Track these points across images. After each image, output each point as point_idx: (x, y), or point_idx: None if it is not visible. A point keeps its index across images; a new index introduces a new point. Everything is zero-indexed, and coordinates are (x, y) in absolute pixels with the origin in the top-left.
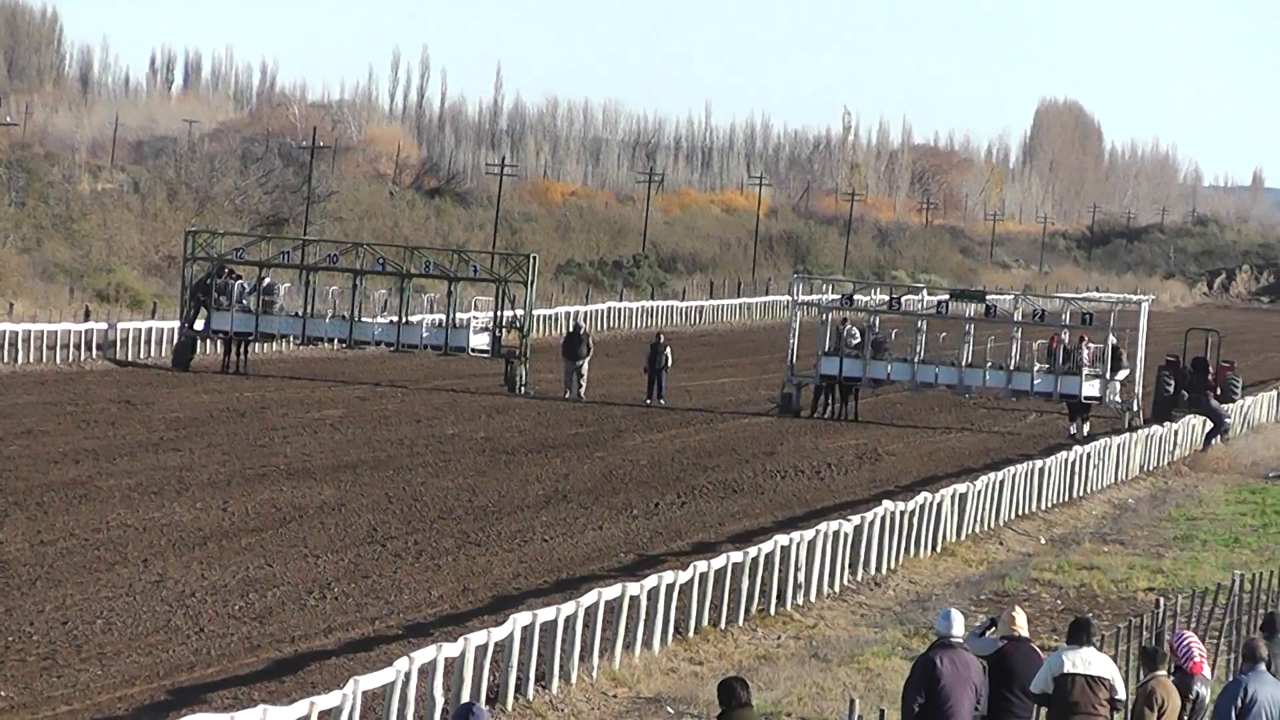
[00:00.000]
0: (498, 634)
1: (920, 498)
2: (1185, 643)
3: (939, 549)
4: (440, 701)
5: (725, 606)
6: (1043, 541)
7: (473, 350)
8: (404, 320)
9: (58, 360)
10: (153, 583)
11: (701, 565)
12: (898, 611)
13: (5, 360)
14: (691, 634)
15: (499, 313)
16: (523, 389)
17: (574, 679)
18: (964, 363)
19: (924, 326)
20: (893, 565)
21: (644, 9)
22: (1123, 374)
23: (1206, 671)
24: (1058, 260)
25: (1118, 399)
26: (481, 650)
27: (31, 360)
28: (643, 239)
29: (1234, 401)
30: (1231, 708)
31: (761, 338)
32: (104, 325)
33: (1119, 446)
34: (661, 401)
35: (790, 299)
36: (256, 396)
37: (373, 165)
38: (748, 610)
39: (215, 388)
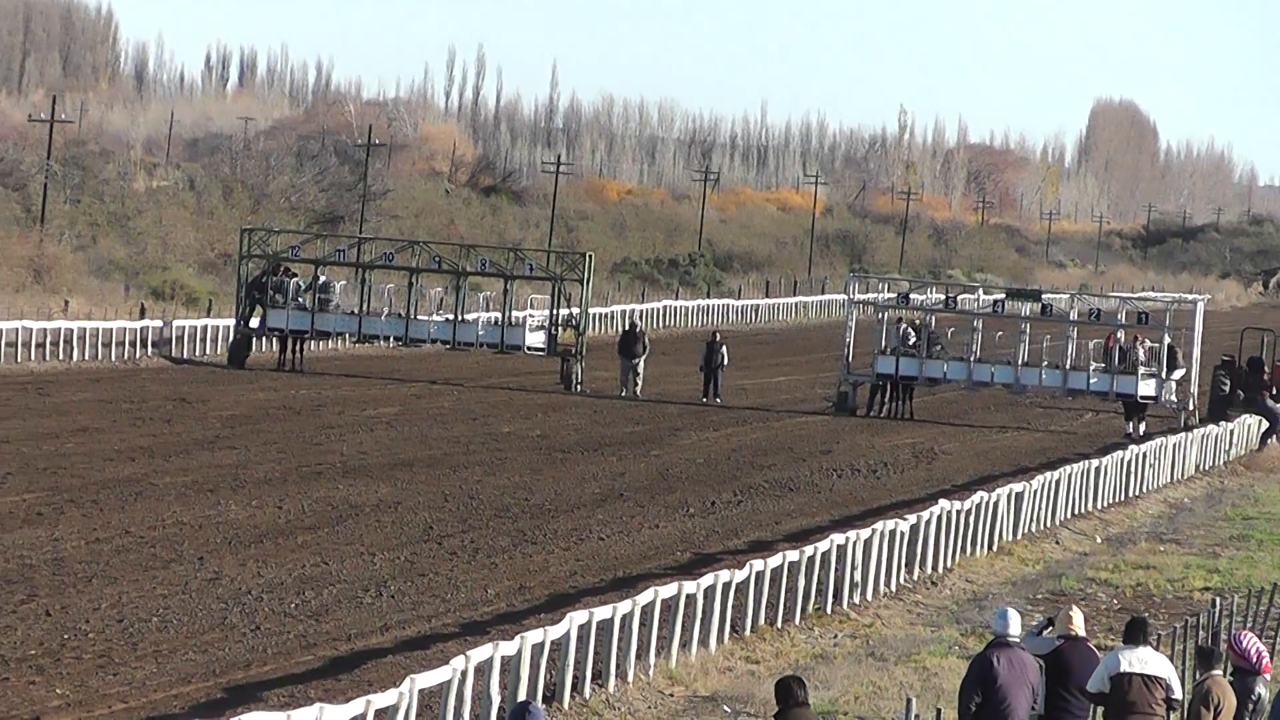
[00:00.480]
0: (554, 632)
1: (976, 497)
2: (1252, 645)
3: (995, 548)
4: (496, 700)
5: (781, 605)
6: (1099, 541)
7: (528, 348)
8: (459, 318)
9: (113, 358)
10: (208, 580)
11: (758, 564)
12: (954, 610)
13: (61, 358)
14: (748, 633)
15: (554, 311)
16: (578, 387)
17: (630, 678)
18: (1020, 362)
19: (980, 325)
20: (949, 564)
21: (700, 7)
22: (1178, 373)
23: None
24: (1113, 259)
25: (1173, 398)
26: (538, 649)
27: (87, 358)
28: (698, 237)
29: None
30: None
31: (817, 336)
32: (159, 323)
33: (1174, 446)
34: (717, 400)
35: (846, 298)
36: (312, 394)
37: (428, 163)
38: (804, 609)
39: (270, 385)
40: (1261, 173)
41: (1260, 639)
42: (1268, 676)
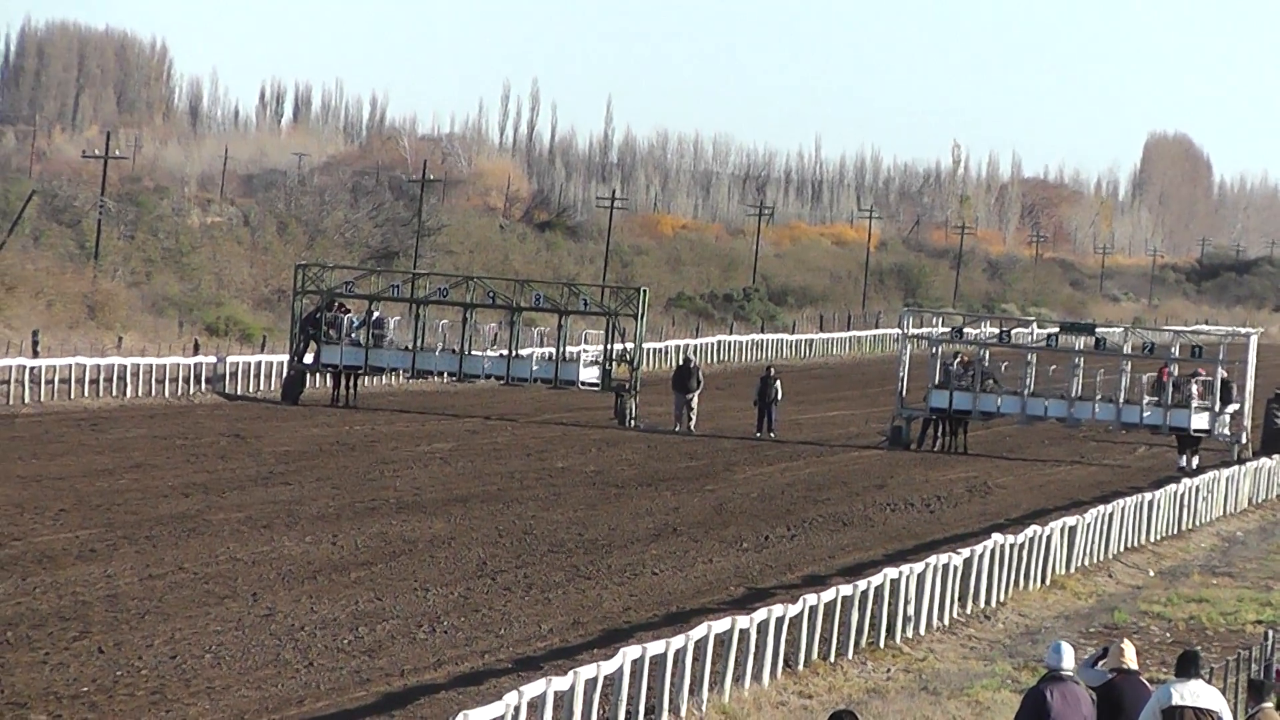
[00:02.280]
0: (607, 668)
1: (1030, 530)
2: None
3: (1048, 582)
4: None
5: (835, 639)
6: (1152, 574)
7: (583, 383)
8: (514, 353)
9: (167, 394)
10: (262, 616)
11: (811, 598)
12: (1007, 644)
13: (115, 394)
14: (801, 667)
15: (609, 346)
16: (633, 422)
17: (683, 712)
18: (1074, 395)
19: (1034, 359)
20: (1002, 598)
21: (754, 42)
22: (1232, 407)
23: None
24: (1167, 293)
25: (1227, 432)
26: (591, 684)
27: (141, 394)
28: (753, 272)
29: None
30: None
31: (871, 370)
32: (213, 359)
33: (1228, 479)
34: (772, 434)
35: (900, 332)
36: (366, 430)
37: (483, 198)
38: (857, 643)
39: (325, 421)
40: None
41: None
42: None
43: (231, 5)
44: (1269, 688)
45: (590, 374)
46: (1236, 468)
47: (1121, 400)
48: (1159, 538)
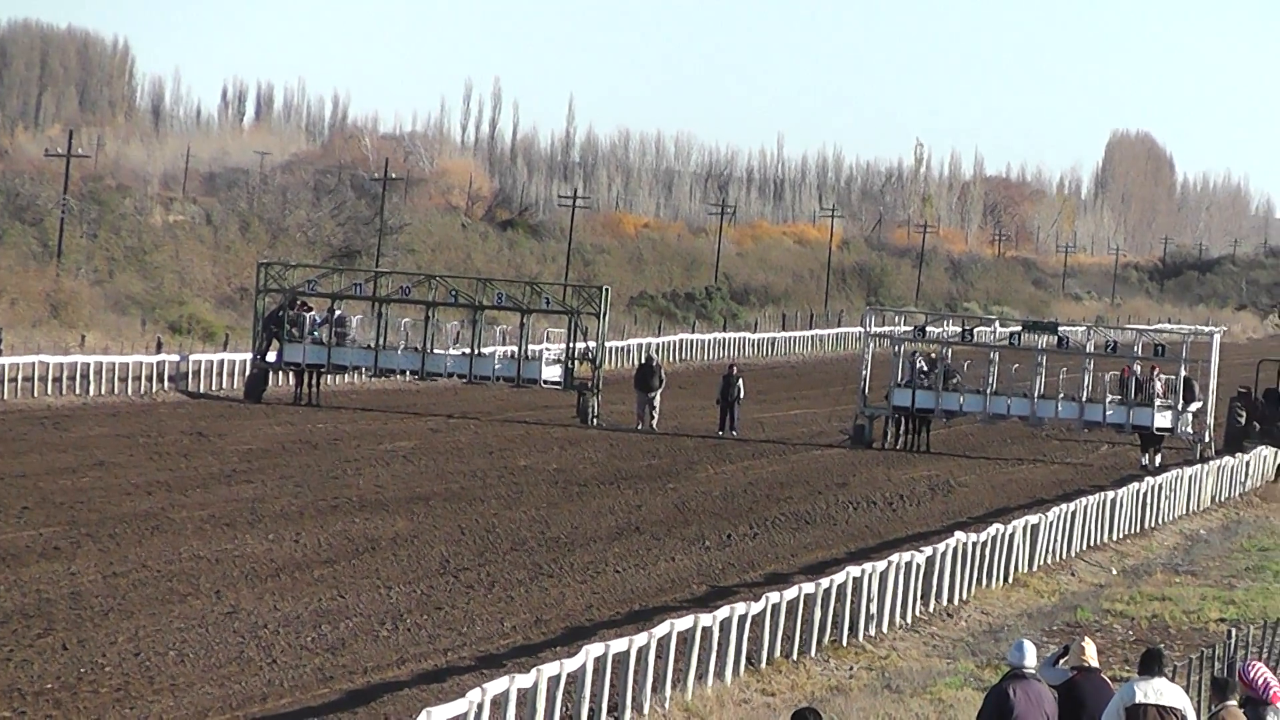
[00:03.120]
0: (570, 665)
1: (992, 529)
2: (1260, 674)
3: (1011, 580)
4: None
5: (797, 637)
6: (1114, 572)
7: (545, 382)
8: (476, 352)
9: (130, 392)
10: (225, 614)
11: (774, 596)
12: (970, 642)
13: (78, 392)
14: (764, 665)
15: (571, 344)
16: (595, 421)
17: (646, 710)
18: (1036, 394)
19: (996, 358)
20: (965, 596)
21: (715, 41)
22: (1195, 405)
23: None
24: (1130, 292)
25: (1190, 430)
26: (554, 681)
27: (104, 392)
28: (715, 271)
29: None
30: None
31: (834, 369)
32: (176, 357)
33: (1191, 477)
34: (734, 433)
35: (863, 331)
36: (329, 428)
37: (445, 197)
38: (820, 641)
39: (287, 419)
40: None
41: (1276, 670)
42: (1278, 705)
43: (193, 4)
44: (1232, 686)
45: (552, 373)
46: (1199, 466)
47: (1084, 399)
48: (1122, 536)
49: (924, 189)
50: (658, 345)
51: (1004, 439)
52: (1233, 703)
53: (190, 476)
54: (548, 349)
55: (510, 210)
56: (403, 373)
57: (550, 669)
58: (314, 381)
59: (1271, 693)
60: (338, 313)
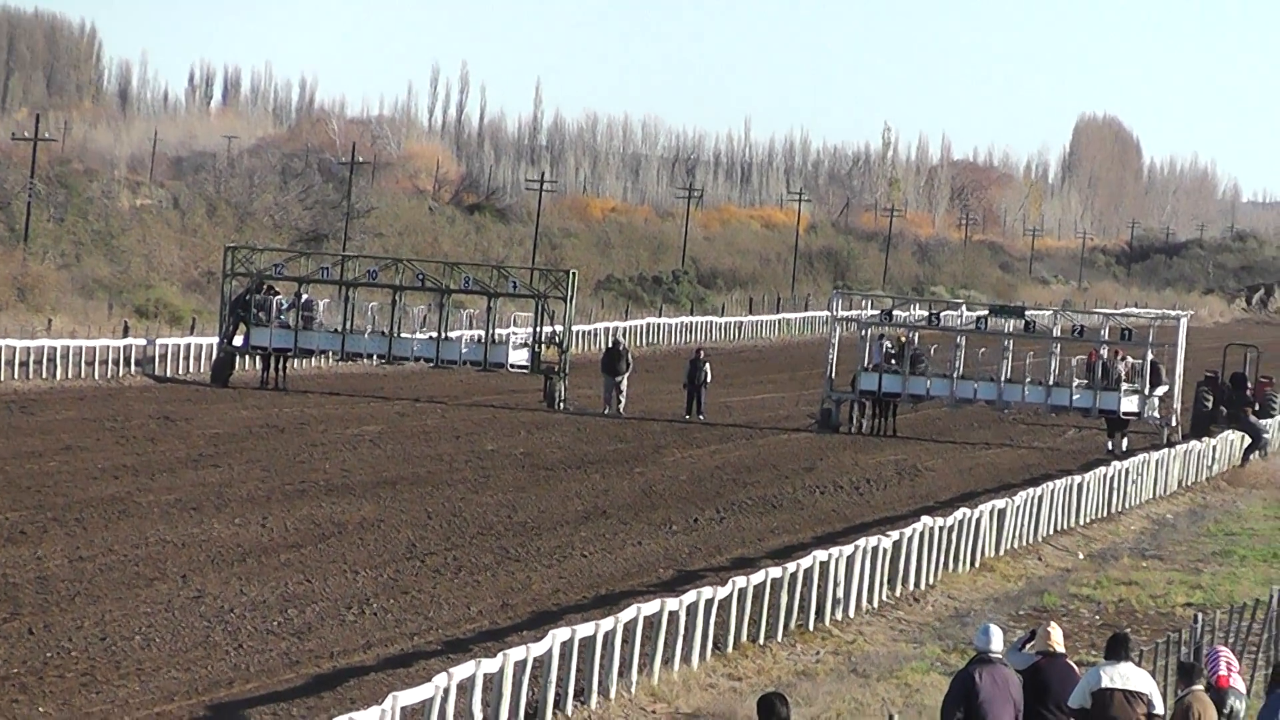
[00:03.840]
0: (537, 650)
1: (959, 513)
2: (1215, 656)
3: (978, 564)
4: (479, 717)
5: (764, 622)
6: (1081, 557)
7: (512, 366)
8: (443, 336)
9: (96, 376)
10: (192, 599)
11: (741, 581)
12: (936, 627)
13: (44, 376)
14: (730, 649)
15: (538, 328)
16: (562, 405)
17: (613, 694)
18: (1003, 378)
19: (963, 342)
20: (931, 581)
21: (683, 25)
22: (1161, 389)
23: (1236, 684)
24: (1097, 276)
25: (1156, 414)
26: (520, 666)
27: (70, 376)
28: (682, 255)
29: (1272, 417)
30: None
31: (801, 353)
32: (143, 341)
33: (1157, 462)
34: (701, 417)
35: (830, 315)
36: (296, 412)
37: (412, 181)
38: (787, 626)
39: (254, 404)
40: (1245, 189)
41: (1241, 655)
42: (1240, 689)
43: None
44: (1199, 670)
45: (519, 356)
46: (1166, 450)
47: (1051, 383)
48: (1088, 520)
49: (891, 173)
50: (625, 329)
51: (970, 423)
52: (1199, 687)
53: (157, 461)
54: (515, 333)
55: (477, 194)
56: (370, 356)
57: (517, 654)
58: (281, 365)
59: (1218, 676)
60: (305, 297)
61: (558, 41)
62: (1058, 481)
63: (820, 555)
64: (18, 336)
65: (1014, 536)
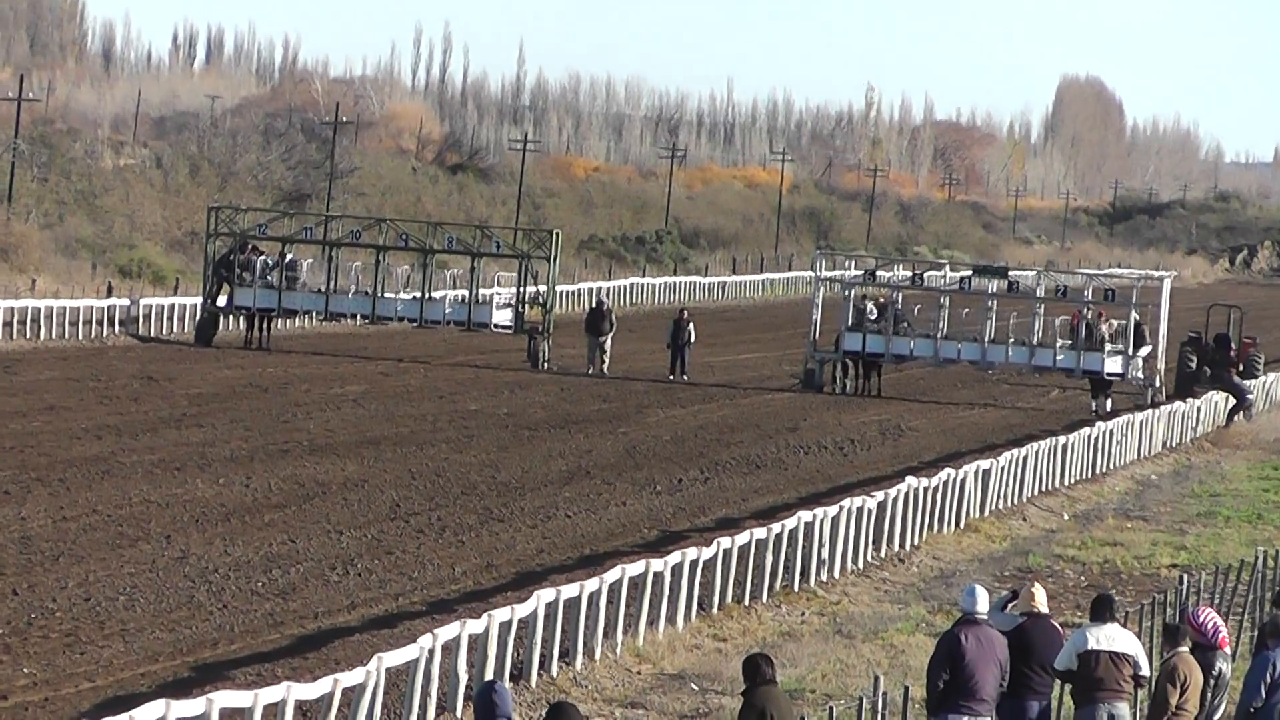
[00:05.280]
0: (521, 610)
1: (944, 474)
2: (1209, 619)
3: (963, 525)
4: (464, 678)
5: (749, 583)
6: (1066, 518)
7: (495, 326)
8: (426, 296)
9: (80, 336)
10: (175, 559)
11: (725, 541)
12: (921, 588)
13: (28, 336)
14: (715, 610)
15: (521, 288)
16: (545, 365)
17: (598, 655)
18: (986, 339)
19: (947, 303)
20: (916, 541)
21: None
22: (1145, 350)
23: (1228, 647)
24: (1080, 236)
25: (1140, 375)
26: (505, 626)
27: (54, 336)
28: (665, 215)
29: (1256, 378)
30: (1261, 682)
31: (784, 313)
32: (126, 301)
33: (1142, 423)
34: (684, 377)
35: (813, 275)
36: (279, 372)
37: (395, 141)
38: (771, 586)
39: (238, 363)
40: (1228, 149)
41: (1227, 616)
42: (1226, 651)
43: None
44: (1183, 632)
45: (503, 317)
46: (1150, 411)
47: (1035, 343)
48: (1073, 481)
49: (874, 133)
50: (608, 289)
51: (954, 383)
52: (1184, 648)
53: (140, 420)
54: (498, 293)
55: (460, 154)
56: (353, 317)
57: (501, 614)
58: (264, 325)
59: (1220, 638)
60: (288, 257)
61: (540, 1)
62: (1042, 442)
63: (805, 516)
64: (1, 297)
65: (999, 497)
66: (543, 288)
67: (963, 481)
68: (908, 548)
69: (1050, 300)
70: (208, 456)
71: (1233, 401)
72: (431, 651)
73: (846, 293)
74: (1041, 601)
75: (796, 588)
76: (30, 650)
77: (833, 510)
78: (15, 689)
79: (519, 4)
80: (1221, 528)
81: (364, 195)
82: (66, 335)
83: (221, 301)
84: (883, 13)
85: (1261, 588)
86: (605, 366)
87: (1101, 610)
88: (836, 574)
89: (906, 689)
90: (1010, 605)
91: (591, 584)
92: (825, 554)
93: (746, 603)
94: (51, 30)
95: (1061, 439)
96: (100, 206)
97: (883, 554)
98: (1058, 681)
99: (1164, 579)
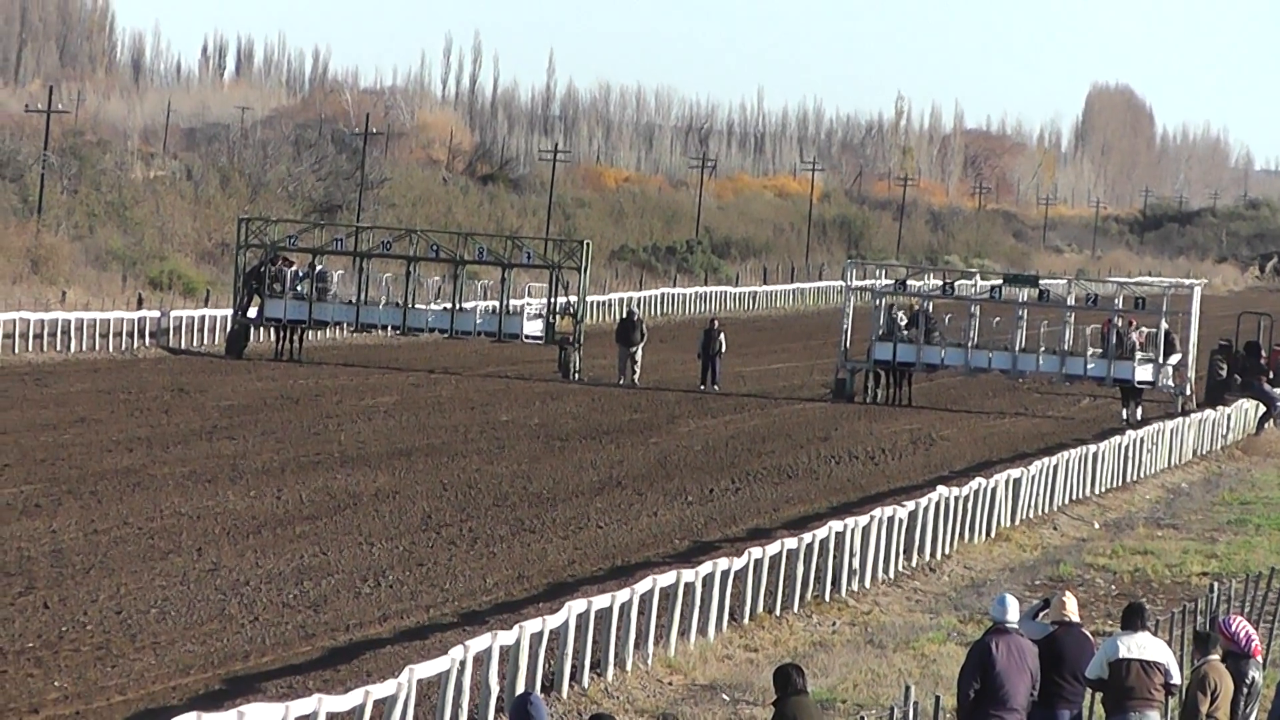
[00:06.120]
0: (553, 621)
1: (975, 483)
2: (1241, 628)
3: (993, 534)
4: (495, 690)
5: (780, 593)
6: (1097, 526)
7: (526, 337)
8: (457, 307)
9: (110, 348)
10: (207, 571)
11: (756, 551)
12: (952, 597)
13: (58, 348)
14: (747, 621)
15: (552, 299)
16: (576, 375)
17: (629, 666)
18: (1017, 347)
19: (977, 311)
20: (947, 551)
21: None
22: (1175, 358)
23: (1260, 655)
24: (1110, 244)
25: (1170, 383)
26: (536, 638)
27: (84, 348)
28: (696, 224)
29: None
30: None
31: (815, 323)
32: (157, 313)
33: (1172, 431)
34: (715, 387)
35: (844, 284)
36: (310, 384)
37: (425, 151)
38: (803, 597)
39: (269, 375)
40: (1258, 156)
41: (1257, 624)
42: (1258, 659)
43: None
44: (1214, 640)
45: (534, 327)
46: (1180, 419)
47: (1065, 352)
48: (1104, 490)
49: (904, 141)
50: (639, 299)
51: (985, 392)
52: (1215, 656)
53: (171, 432)
54: (529, 304)
55: (491, 164)
56: (384, 328)
57: (533, 625)
58: (295, 337)
59: (1253, 646)
60: (319, 268)
61: (570, 11)
62: (1073, 451)
63: (836, 525)
64: (31, 309)
65: (1029, 506)
66: (573, 298)
67: (994, 490)
68: (939, 557)
69: (1081, 309)
70: (239, 468)
71: (1263, 409)
72: (463, 663)
73: (877, 302)
74: (1073, 610)
75: (828, 597)
76: (61, 663)
77: (864, 520)
78: (46, 702)
79: (549, 14)
80: (1252, 535)
81: (394, 206)
82: (97, 347)
83: (252, 313)
84: (912, 22)
85: None
86: (636, 377)
87: (1133, 619)
88: (868, 584)
89: (938, 699)
90: (1041, 614)
91: (623, 595)
92: (856, 564)
93: (778, 613)
94: (81, 41)
95: (1092, 448)
96: (130, 218)
97: (914, 563)
98: (1089, 690)
99: (1195, 587)
